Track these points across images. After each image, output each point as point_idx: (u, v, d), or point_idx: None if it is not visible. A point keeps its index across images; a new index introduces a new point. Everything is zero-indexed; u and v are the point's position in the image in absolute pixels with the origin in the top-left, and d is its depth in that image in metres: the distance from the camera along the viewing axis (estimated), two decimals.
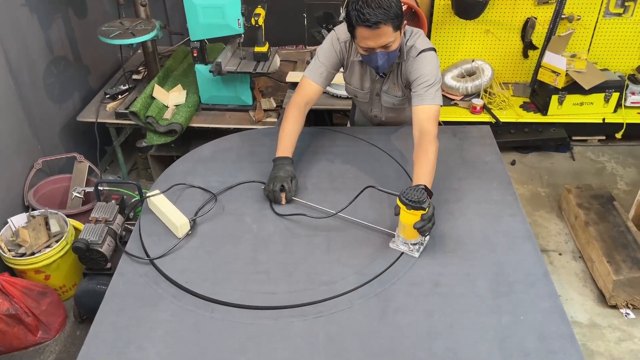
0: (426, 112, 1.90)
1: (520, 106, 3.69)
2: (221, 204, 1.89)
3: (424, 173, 1.75)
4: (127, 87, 3.29)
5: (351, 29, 1.84)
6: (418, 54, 1.95)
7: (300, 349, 1.42)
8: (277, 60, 3.19)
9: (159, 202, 1.82)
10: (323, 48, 2.06)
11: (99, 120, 3.08)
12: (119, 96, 3.24)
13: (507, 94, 3.75)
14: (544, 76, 3.48)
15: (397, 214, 1.63)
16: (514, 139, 3.56)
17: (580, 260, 2.82)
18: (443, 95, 3.74)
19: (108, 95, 3.24)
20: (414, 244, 1.68)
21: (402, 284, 1.58)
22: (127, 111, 2.99)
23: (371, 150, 2.15)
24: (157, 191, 1.87)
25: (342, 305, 1.52)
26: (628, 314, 2.52)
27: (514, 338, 1.42)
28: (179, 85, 3.20)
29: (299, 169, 2.04)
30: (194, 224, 1.79)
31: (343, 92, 3.16)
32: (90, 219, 2.26)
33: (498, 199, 1.89)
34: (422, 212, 1.58)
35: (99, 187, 2.36)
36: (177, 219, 1.74)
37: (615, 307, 2.55)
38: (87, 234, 2.19)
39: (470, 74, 3.77)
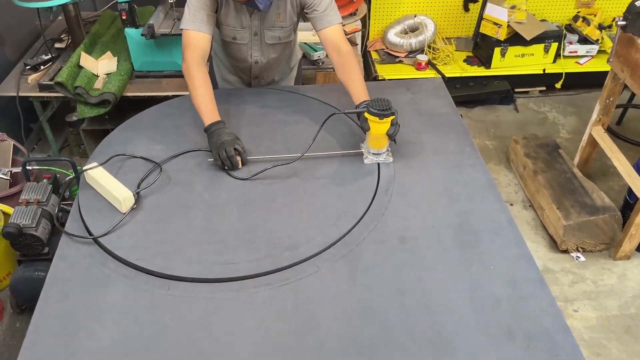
0: (337, 31, 1.94)
1: (464, 60, 3.71)
2: (167, 174, 1.75)
3: (363, 88, 1.86)
4: (49, 56, 3.00)
5: None
6: None
7: (267, 319, 1.34)
8: None
9: (97, 175, 1.66)
10: None
11: (20, 94, 2.81)
12: (41, 67, 2.96)
13: (450, 48, 3.75)
14: (486, 28, 3.49)
15: (368, 129, 1.72)
16: (459, 94, 3.57)
17: (531, 208, 2.89)
18: (387, 53, 3.74)
19: (28, 67, 2.95)
20: (384, 152, 1.79)
21: (369, 242, 1.52)
22: (53, 82, 2.74)
23: (323, 108, 2.06)
24: (94, 164, 1.71)
25: (309, 270, 1.45)
26: (579, 257, 2.61)
27: (484, 286, 1.40)
28: (109, 52, 2.96)
29: (250, 132, 1.92)
30: (138, 197, 1.65)
31: None
32: (20, 201, 2.06)
33: (456, 150, 1.86)
34: (392, 117, 1.67)
35: (28, 167, 2.16)
36: (119, 193, 1.60)
37: (566, 251, 2.63)
38: (19, 217, 1.99)
39: (413, 29, 3.73)
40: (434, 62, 3.63)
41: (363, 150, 1.82)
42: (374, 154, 1.79)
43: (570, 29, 3.72)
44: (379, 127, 1.69)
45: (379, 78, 3.51)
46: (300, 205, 1.65)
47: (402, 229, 1.56)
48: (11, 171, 2.61)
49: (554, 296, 2.44)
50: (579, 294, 2.44)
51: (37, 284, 1.99)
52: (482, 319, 1.33)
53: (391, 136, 1.72)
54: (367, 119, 1.69)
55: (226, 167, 1.74)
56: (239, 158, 1.74)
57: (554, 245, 2.66)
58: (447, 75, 3.53)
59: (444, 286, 1.41)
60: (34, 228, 2.01)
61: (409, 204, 1.65)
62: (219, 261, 1.47)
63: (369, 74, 3.64)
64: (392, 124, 1.69)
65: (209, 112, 1.82)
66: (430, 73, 3.56)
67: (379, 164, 1.78)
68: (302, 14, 2.00)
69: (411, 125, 1.97)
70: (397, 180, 1.73)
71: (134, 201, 1.62)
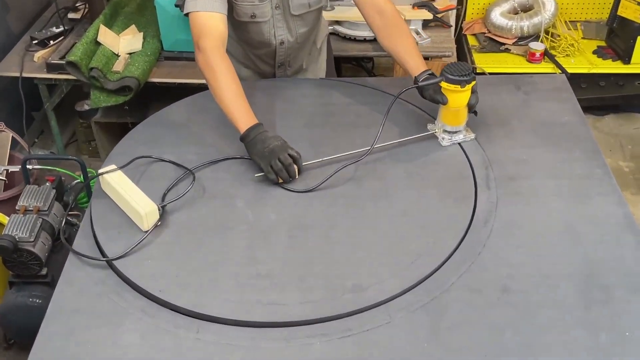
0: None
1: (594, 52, 3.65)
2: (201, 184, 1.82)
3: (419, 56, 1.98)
4: (61, 29, 3.20)
5: None
6: None
7: None
8: None
9: (116, 181, 1.74)
10: None
11: (24, 75, 2.99)
12: (51, 42, 3.16)
13: (575, 35, 3.69)
14: (627, 10, 3.43)
15: (445, 102, 1.85)
16: (586, 96, 3.51)
17: None
18: (489, 38, 3.73)
19: (36, 41, 3.15)
20: (462, 129, 1.94)
21: (458, 290, 1.52)
22: (64, 62, 2.91)
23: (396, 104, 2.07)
24: (113, 166, 1.80)
25: (378, 320, 1.46)
26: None
27: None
28: (133, 27, 3.13)
29: (312, 131, 2.01)
30: (164, 212, 1.72)
31: (360, 33, 3.09)
32: (17, 208, 2.18)
33: (583, 174, 1.85)
34: (474, 82, 1.82)
35: (28, 166, 2.29)
36: (141, 205, 1.66)
37: None
38: (14, 228, 2.11)
39: (526, 9, 3.72)
40: (553, 52, 3.59)
41: (436, 131, 1.95)
42: (450, 132, 1.92)
43: None
44: (459, 97, 1.82)
45: (478, 71, 3.50)
46: (369, 233, 1.68)
47: (505, 277, 1.55)
48: (7, 170, 2.77)
49: None
50: None
51: (30, 313, 2.11)
52: None
53: (472, 107, 1.86)
54: (440, 89, 1.83)
55: (281, 180, 1.78)
56: (295, 166, 1.79)
57: None
58: (569, 70, 3.48)
59: (562, 358, 1.39)
60: (32, 243, 2.12)
61: (516, 244, 1.64)
62: (263, 301, 1.50)
63: None
64: (473, 91, 1.83)
65: (244, 114, 1.85)
66: (546, 67, 3.52)
67: (465, 152, 1.89)
68: None
69: (522, 138, 1.98)
70: (499, 209, 1.72)
71: (158, 217, 1.69)
